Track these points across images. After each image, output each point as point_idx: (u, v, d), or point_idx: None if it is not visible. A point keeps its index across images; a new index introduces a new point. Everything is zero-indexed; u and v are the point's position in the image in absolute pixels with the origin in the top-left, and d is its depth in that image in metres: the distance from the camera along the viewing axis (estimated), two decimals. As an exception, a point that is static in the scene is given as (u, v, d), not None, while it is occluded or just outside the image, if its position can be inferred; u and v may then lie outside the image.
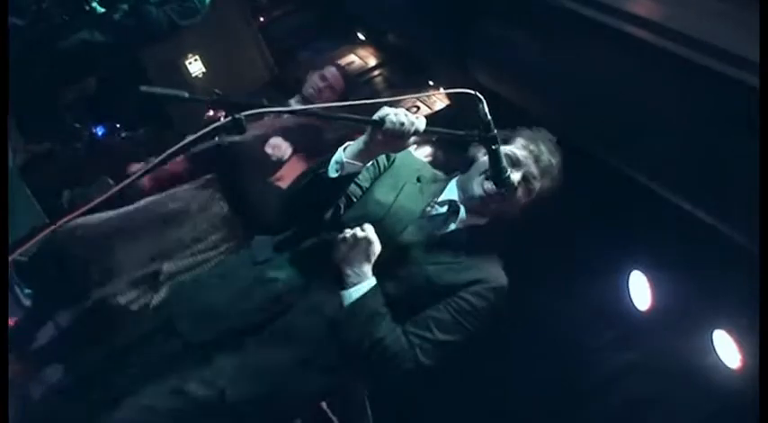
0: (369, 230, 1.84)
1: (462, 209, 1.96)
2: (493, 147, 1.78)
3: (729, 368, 2.18)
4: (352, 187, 1.91)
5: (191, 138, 1.54)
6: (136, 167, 3.41)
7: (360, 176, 1.89)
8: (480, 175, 1.91)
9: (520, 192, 1.92)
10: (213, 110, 3.40)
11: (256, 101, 1.63)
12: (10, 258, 1.81)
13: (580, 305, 2.74)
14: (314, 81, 3.71)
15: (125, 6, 4.01)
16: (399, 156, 2.03)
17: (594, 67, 2.19)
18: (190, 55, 4.40)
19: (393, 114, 1.68)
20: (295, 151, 3.24)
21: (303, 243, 1.93)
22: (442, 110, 3.98)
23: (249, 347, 1.82)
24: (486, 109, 1.74)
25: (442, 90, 1.89)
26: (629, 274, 2.59)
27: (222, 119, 1.54)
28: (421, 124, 1.71)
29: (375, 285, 1.83)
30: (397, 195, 1.96)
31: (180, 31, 4.24)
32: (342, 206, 1.94)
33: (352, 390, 2.58)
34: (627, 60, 2.04)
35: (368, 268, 1.84)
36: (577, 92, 2.27)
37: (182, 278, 2.82)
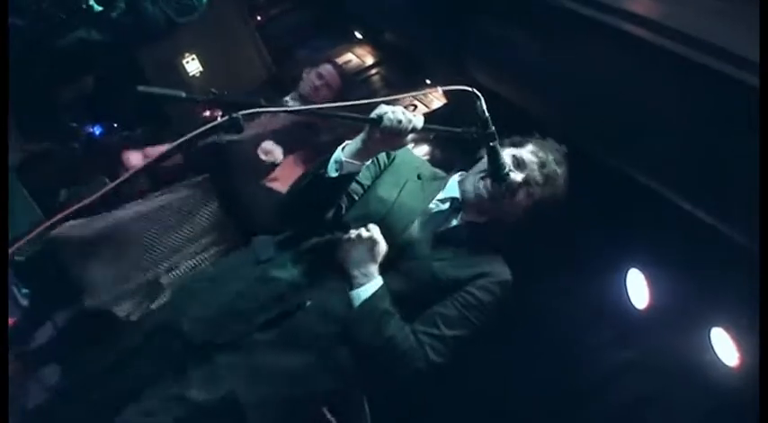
0: (374, 230, 1.85)
1: (464, 206, 1.97)
2: (491, 143, 1.79)
3: (727, 366, 2.17)
4: (354, 186, 1.92)
5: (187, 136, 1.53)
6: (133, 156, 3.40)
7: (360, 175, 1.90)
8: (480, 173, 1.93)
9: (521, 195, 1.93)
10: (210, 109, 3.40)
11: (253, 100, 1.63)
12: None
13: (578, 303, 2.74)
14: (310, 79, 3.71)
15: (122, 4, 3.99)
16: (399, 154, 2.04)
17: (594, 66, 2.18)
18: (187, 54, 4.39)
19: (390, 112, 1.69)
20: (291, 151, 3.24)
21: (306, 243, 1.93)
22: (439, 108, 3.98)
23: (256, 349, 1.81)
24: (484, 106, 1.75)
25: (439, 88, 1.89)
26: (626, 272, 2.59)
27: (219, 118, 1.54)
28: (419, 122, 1.72)
29: (382, 285, 1.84)
30: (399, 193, 1.96)
31: (177, 29, 4.23)
32: (343, 205, 1.94)
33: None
34: (627, 59, 2.04)
35: (374, 268, 1.85)
36: (577, 91, 2.27)
37: (180, 281, 2.83)
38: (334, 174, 1.80)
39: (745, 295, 1.86)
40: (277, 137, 3.24)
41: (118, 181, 1.55)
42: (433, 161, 3.37)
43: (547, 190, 1.96)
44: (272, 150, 3.17)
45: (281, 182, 3.12)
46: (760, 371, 1.56)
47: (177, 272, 2.93)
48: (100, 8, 4.11)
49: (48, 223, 1.46)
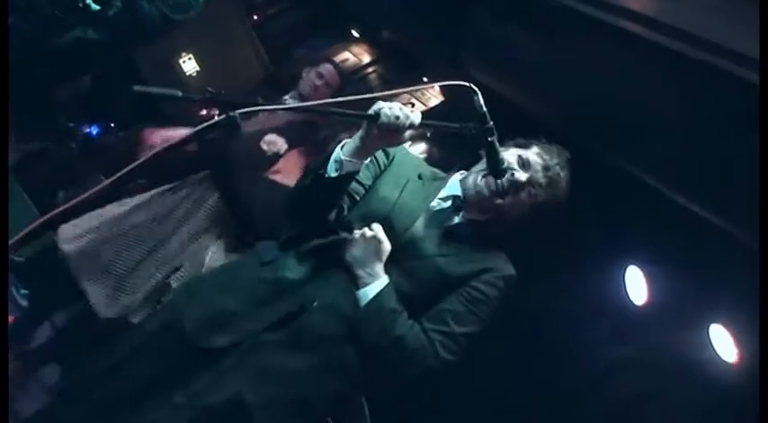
0: (377, 230, 1.85)
1: (465, 204, 1.97)
2: (489, 139, 1.79)
3: (726, 362, 2.18)
4: (354, 186, 1.92)
5: (186, 135, 1.53)
6: (155, 134, 3.38)
7: (360, 175, 1.90)
8: (481, 171, 1.94)
9: (523, 194, 1.94)
10: (206, 108, 3.39)
11: (250, 98, 1.63)
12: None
13: (576, 300, 2.74)
14: (310, 78, 3.71)
15: (118, 3, 3.98)
16: (398, 154, 2.04)
17: (594, 64, 2.18)
18: (184, 53, 4.38)
19: (388, 108, 1.69)
20: (290, 147, 3.25)
21: (309, 244, 1.93)
22: (436, 106, 3.98)
23: (263, 350, 1.80)
24: (482, 100, 1.75)
25: (436, 84, 1.89)
26: (625, 268, 2.59)
27: (216, 117, 1.54)
28: (416, 118, 1.72)
29: (388, 283, 1.84)
30: (401, 192, 1.97)
31: (174, 28, 4.22)
32: (345, 206, 1.94)
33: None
34: (626, 57, 2.04)
35: (380, 267, 1.85)
36: (577, 90, 2.27)
37: (184, 279, 2.83)
38: (334, 173, 1.80)
39: (744, 292, 1.87)
40: (278, 134, 3.25)
41: (113, 178, 1.53)
42: (431, 159, 3.37)
43: (549, 192, 1.96)
44: (275, 141, 3.18)
45: (284, 174, 3.14)
46: (760, 368, 1.56)
47: (181, 272, 2.93)
48: (97, 7, 4.10)
49: (45, 219, 1.45)
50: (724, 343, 2.18)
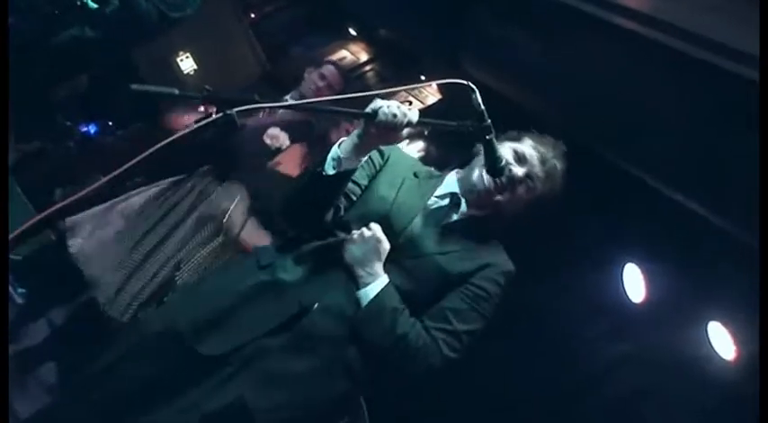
0: (376, 229, 1.85)
1: (463, 201, 1.97)
2: (487, 137, 1.78)
3: (724, 359, 2.18)
4: (351, 186, 1.91)
5: (181, 133, 1.53)
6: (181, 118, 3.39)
7: (356, 175, 1.89)
8: (480, 167, 1.93)
9: (521, 189, 1.94)
10: (204, 106, 3.39)
11: (248, 96, 1.62)
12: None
13: (575, 297, 2.75)
14: (312, 79, 3.71)
15: (115, 0, 3.98)
16: (393, 154, 2.04)
17: (594, 64, 2.19)
18: (181, 52, 4.37)
19: (385, 106, 1.69)
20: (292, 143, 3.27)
21: (307, 245, 1.93)
22: (434, 104, 3.97)
23: (266, 354, 1.78)
24: (480, 99, 1.74)
25: (434, 82, 1.89)
26: (623, 266, 2.60)
27: (213, 115, 1.53)
28: (414, 115, 1.71)
29: (389, 282, 1.84)
30: (398, 191, 1.96)
31: (171, 26, 4.22)
32: (342, 206, 1.93)
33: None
34: (626, 57, 2.04)
35: (379, 266, 1.84)
36: (576, 89, 2.27)
37: (185, 277, 2.82)
38: (331, 171, 1.80)
39: (742, 290, 1.87)
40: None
41: (110, 175, 1.52)
42: (428, 157, 3.38)
43: (547, 185, 1.96)
44: (277, 135, 3.20)
45: (285, 165, 3.14)
46: (760, 365, 1.56)
47: (183, 271, 2.93)
48: (95, 6, 4.09)
49: (42, 216, 1.44)
50: (722, 340, 2.19)
